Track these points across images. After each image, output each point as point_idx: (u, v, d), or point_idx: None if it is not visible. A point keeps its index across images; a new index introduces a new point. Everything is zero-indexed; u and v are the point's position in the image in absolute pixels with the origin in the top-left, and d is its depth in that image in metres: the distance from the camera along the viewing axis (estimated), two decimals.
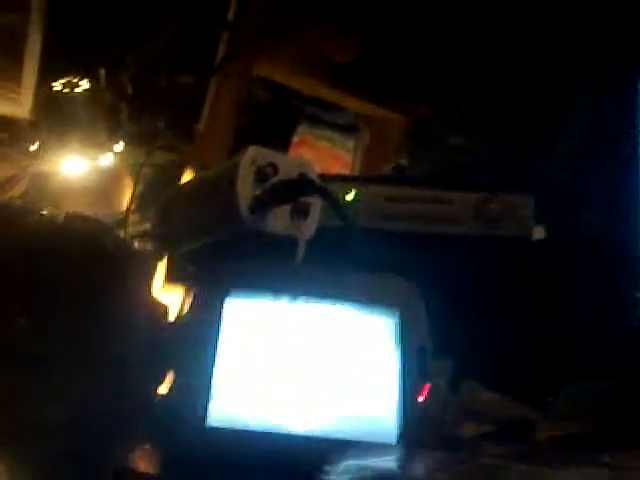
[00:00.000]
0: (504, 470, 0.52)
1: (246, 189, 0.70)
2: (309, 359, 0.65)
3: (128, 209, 1.12)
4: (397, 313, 0.67)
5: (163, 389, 0.67)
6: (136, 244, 1.01)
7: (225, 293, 0.66)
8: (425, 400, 0.66)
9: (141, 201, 1.11)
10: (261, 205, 0.70)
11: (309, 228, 0.75)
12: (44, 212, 0.75)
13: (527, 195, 0.90)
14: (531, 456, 0.57)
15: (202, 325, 0.65)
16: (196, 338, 0.65)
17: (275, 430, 0.62)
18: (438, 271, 0.82)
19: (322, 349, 0.66)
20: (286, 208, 0.72)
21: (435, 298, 0.69)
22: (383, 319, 0.67)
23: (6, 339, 0.61)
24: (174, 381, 0.66)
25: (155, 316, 0.71)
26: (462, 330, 0.80)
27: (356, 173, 1.31)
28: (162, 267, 0.94)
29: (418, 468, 0.53)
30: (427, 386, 0.66)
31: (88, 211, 1.27)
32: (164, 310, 0.74)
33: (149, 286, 0.73)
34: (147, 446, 0.65)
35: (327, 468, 0.51)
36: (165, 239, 0.90)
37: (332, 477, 0.51)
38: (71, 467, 0.64)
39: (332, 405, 0.64)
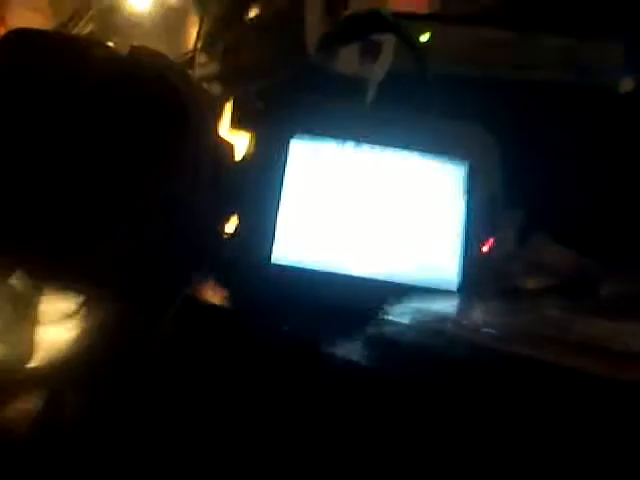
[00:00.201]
0: (567, 321, 0.51)
1: (315, 24, 0.66)
2: (374, 204, 0.65)
3: (195, 48, 1.10)
4: (468, 161, 0.65)
5: (228, 229, 0.68)
6: (204, 84, 1.00)
7: (290, 135, 0.64)
8: (490, 251, 0.64)
9: (208, 40, 1.08)
10: (329, 41, 0.66)
11: (380, 70, 0.72)
12: (110, 45, 0.73)
13: (618, 44, 0.83)
14: (596, 310, 0.56)
15: (267, 166, 0.65)
16: (260, 179, 0.64)
17: (336, 271, 0.63)
18: (516, 119, 0.78)
19: (387, 195, 0.65)
20: (356, 47, 0.68)
21: (512, 147, 0.66)
22: (453, 166, 0.65)
23: (75, 174, 0.62)
24: (239, 221, 0.66)
25: (220, 158, 0.71)
26: (537, 182, 0.77)
27: (432, 11, 1.23)
28: (229, 109, 0.93)
29: (478, 315, 0.53)
30: (493, 236, 0.65)
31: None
32: (230, 152, 0.73)
33: (215, 127, 0.72)
34: (212, 282, 0.66)
35: (386, 309, 0.52)
36: (232, 79, 0.89)
37: (390, 318, 0.51)
38: (140, 295, 0.67)
39: (394, 250, 0.64)
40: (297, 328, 0.57)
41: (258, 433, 0.57)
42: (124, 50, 0.70)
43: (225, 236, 0.67)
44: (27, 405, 0.86)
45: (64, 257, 0.61)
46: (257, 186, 0.64)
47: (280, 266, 0.62)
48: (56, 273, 0.65)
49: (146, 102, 0.63)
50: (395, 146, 0.65)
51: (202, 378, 0.65)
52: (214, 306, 0.64)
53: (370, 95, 0.75)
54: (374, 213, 0.64)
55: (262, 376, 0.57)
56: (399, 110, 0.66)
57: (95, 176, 0.61)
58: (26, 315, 0.89)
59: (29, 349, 0.98)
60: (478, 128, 0.67)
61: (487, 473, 0.41)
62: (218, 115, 0.77)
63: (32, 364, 0.96)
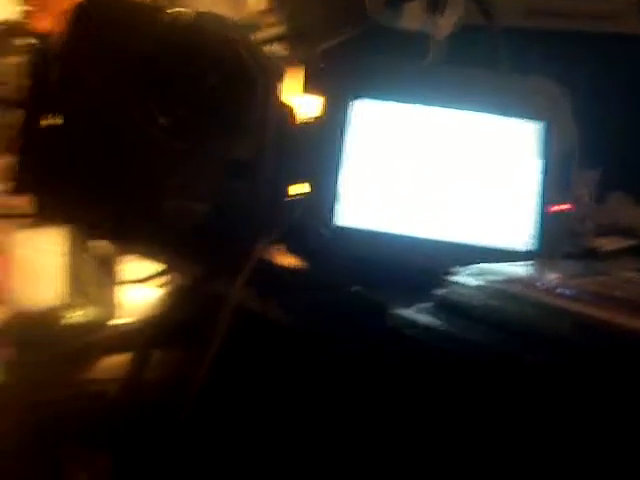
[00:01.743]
0: None
1: None
2: (442, 165, 0.63)
3: (261, 10, 1.09)
4: (542, 119, 0.63)
5: (292, 191, 0.68)
6: (269, 47, 0.99)
7: (353, 95, 0.64)
8: (566, 210, 0.63)
9: (274, 2, 1.07)
10: None
11: (446, 25, 0.70)
12: (175, 10, 0.73)
13: None
14: None
15: (329, 128, 0.64)
16: (323, 141, 0.64)
17: (402, 233, 0.62)
18: (593, 74, 0.75)
19: (456, 155, 0.63)
20: (421, 1, 0.66)
21: (588, 104, 0.64)
22: (525, 125, 0.63)
23: (149, 137, 0.63)
24: (303, 183, 0.66)
25: (285, 122, 0.71)
26: (615, 140, 0.74)
27: None
28: (294, 72, 0.93)
29: (551, 277, 0.51)
30: (569, 197, 0.63)
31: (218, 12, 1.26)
32: (293, 116, 0.73)
33: (279, 92, 0.72)
34: (280, 245, 0.67)
35: (454, 271, 0.51)
36: (297, 41, 0.88)
37: (463, 279, 0.50)
38: (212, 258, 0.68)
39: (464, 211, 0.62)
40: (366, 289, 0.57)
41: (333, 395, 0.58)
42: (190, 16, 0.70)
43: (291, 199, 0.68)
44: (114, 362, 0.90)
45: (136, 223, 0.63)
46: (322, 148, 0.64)
47: (342, 228, 0.62)
48: (133, 238, 0.67)
49: (211, 68, 0.64)
50: (463, 105, 0.63)
51: (275, 339, 0.67)
52: (284, 268, 0.65)
53: (436, 52, 0.73)
54: (442, 173, 0.63)
55: (332, 335, 0.58)
56: (468, 67, 0.64)
57: (160, 142, 0.62)
58: (110, 277, 0.93)
59: (114, 308, 1.02)
60: (552, 84, 0.64)
61: (565, 441, 0.41)
62: (282, 78, 0.77)
63: (117, 322, 1.00)
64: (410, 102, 0.63)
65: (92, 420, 0.80)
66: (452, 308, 0.48)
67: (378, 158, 0.63)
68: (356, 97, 0.64)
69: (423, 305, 0.50)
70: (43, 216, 0.69)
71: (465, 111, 0.63)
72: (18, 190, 0.64)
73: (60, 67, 0.64)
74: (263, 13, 1.09)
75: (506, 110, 0.63)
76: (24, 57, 1.43)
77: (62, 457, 0.88)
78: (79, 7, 0.65)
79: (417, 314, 0.49)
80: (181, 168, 0.62)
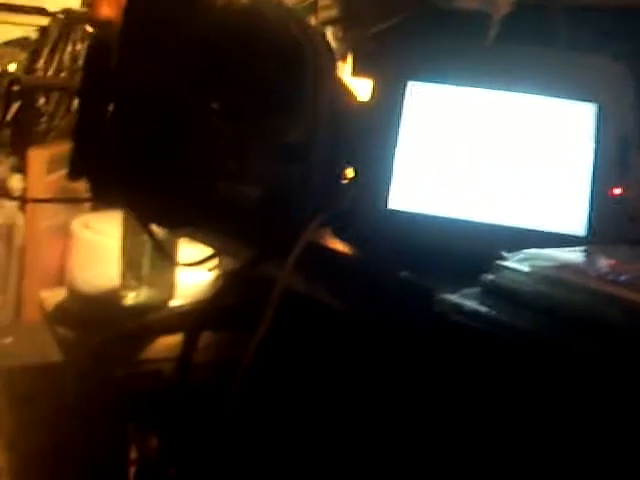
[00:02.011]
0: None
1: None
2: (495, 147, 0.62)
3: None
4: (599, 99, 0.61)
5: (346, 174, 0.68)
6: (326, 30, 0.99)
7: (408, 77, 0.63)
8: (621, 195, 0.61)
9: None
10: None
11: (504, 3, 0.68)
12: None
13: None
14: None
15: (384, 111, 0.63)
16: (378, 124, 0.63)
17: (455, 216, 0.61)
18: None
19: (510, 138, 0.62)
20: None
21: None
22: (582, 106, 0.61)
23: (200, 121, 0.64)
24: (357, 167, 0.66)
25: (340, 106, 0.70)
26: None
27: None
28: (350, 56, 0.92)
29: (605, 262, 0.50)
30: (625, 180, 0.61)
31: None
32: (350, 99, 0.73)
33: (334, 75, 0.72)
34: (332, 228, 0.67)
35: (505, 256, 0.50)
36: (349, 23, 0.87)
37: (512, 264, 0.49)
38: (263, 242, 0.68)
39: (516, 195, 0.61)
40: (414, 275, 0.57)
41: (377, 375, 0.58)
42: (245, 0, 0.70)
43: (344, 183, 0.68)
44: (167, 342, 0.92)
45: (188, 207, 0.64)
46: (375, 132, 0.64)
47: (396, 211, 0.62)
48: (184, 222, 0.68)
49: (265, 51, 0.64)
50: (519, 86, 0.61)
51: (322, 322, 0.67)
52: (334, 252, 0.65)
53: (492, 31, 0.72)
54: (495, 157, 0.62)
55: (379, 320, 0.57)
56: (523, 47, 0.63)
57: (213, 126, 0.62)
58: (167, 260, 0.94)
59: (168, 291, 1.04)
60: (610, 63, 0.62)
61: (614, 430, 0.40)
62: (338, 62, 0.77)
63: (171, 304, 1.02)
64: (465, 85, 0.62)
65: (145, 398, 0.82)
66: (500, 293, 0.47)
67: (433, 141, 0.63)
68: (411, 79, 0.63)
69: (471, 290, 0.49)
70: (98, 200, 0.70)
71: (520, 93, 0.62)
72: (73, 175, 0.66)
73: (117, 54, 0.65)
74: None
75: (562, 91, 0.61)
76: (84, 45, 1.47)
77: (121, 432, 0.90)
78: None
79: (464, 299, 0.48)
80: (233, 152, 0.63)
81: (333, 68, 0.72)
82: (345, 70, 0.89)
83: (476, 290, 0.49)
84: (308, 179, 0.64)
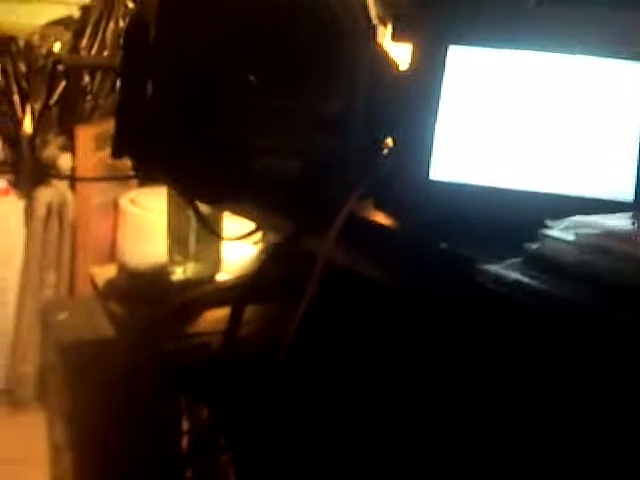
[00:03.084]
0: None
1: None
2: (539, 111, 0.60)
3: None
4: None
5: (387, 143, 0.67)
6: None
7: (449, 41, 0.61)
8: None
9: None
10: None
11: None
12: None
13: None
14: None
15: (424, 76, 0.62)
16: (418, 91, 0.62)
17: (500, 185, 0.60)
18: None
19: (555, 102, 0.60)
20: None
21: None
22: (630, 65, 0.59)
23: (239, 95, 0.64)
24: (397, 137, 0.65)
25: (379, 75, 0.69)
26: None
27: None
28: (389, 21, 0.91)
29: None
30: None
31: None
32: (389, 66, 0.71)
33: (373, 44, 0.70)
34: (373, 199, 0.66)
35: (549, 224, 0.49)
36: None
37: (556, 233, 0.48)
38: (304, 215, 0.68)
39: (562, 161, 0.59)
40: (456, 245, 0.56)
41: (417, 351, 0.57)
42: None
43: (384, 153, 0.67)
44: (215, 315, 0.94)
45: (227, 182, 0.64)
46: (415, 99, 0.62)
47: (439, 182, 0.61)
48: (224, 197, 0.68)
49: (302, 22, 0.63)
50: (563, 47, 0.59)
51: (364, 294, 0.67)
52: (375, 223, 0.65)
53: None
54: (539, 122, 0.60)
55: (421, 291, 0.57)
56: (568, 6, 0.60)
57: (250, 100, 0.62)
58: (212, 234, 0.95)
59: (217, 264, 1.05)
60: None
61: None
62: (378, 27, 0.75)
63: (220, 278, 1.03)
64: (508, 47, 0.60)
65: (195, 371, 0.84)
66: (544, 263, 0.46)
67: (474, 107, 0.61)
68: (452, 43, 0.61)
69: (513, 261, 0.48)
70: (141, 178, 0.71)
71: (565, 54, 0.60)
72: (116, 154, 0.67)
73: (155, 31, 0.65)
74: None
75: (609, 51, 0.59)
76: (124, 24, 1.48)
77: (173, 405, 0.92)
78: None
79: (506, 270, 0.47)
80: (271, 126, 0.62)
81: (372, 37, 0.70)
82: (385, 35, 0.87)
83: (519, 260, 0.48)
84: (347, 150, 0.64)
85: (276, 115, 0.63)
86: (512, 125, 0.60)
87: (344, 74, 0.64)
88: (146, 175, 0.69)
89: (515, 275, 0.46)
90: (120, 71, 0.67)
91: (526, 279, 0.45)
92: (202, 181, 0.64)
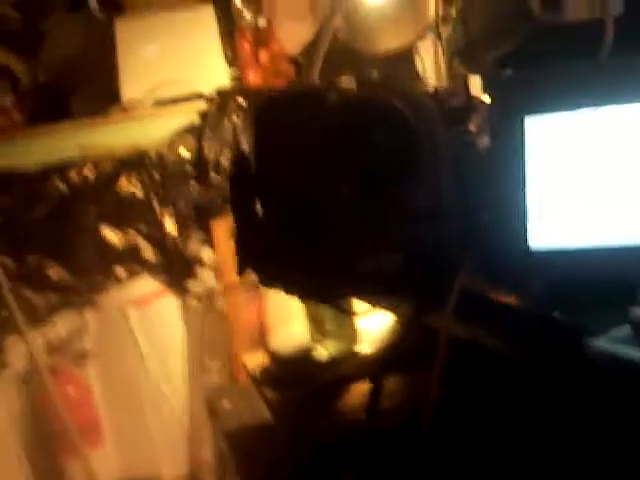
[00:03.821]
0: None
1: None
2: (625, 164, 0.60)
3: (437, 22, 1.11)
4: None
5: (483, 220, 0.68)
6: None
7: (524, 112, 0.62)
8: None
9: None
10: None
11: (615, 3, 0.66)
12: (339, 86, 0.76)
13: None
14: None
15: (506, 151, 0.64)
16: (503, 166, 0.64)
17: (597, 245, 0.60)
18: None
19: (638, 150, 0.59)
20: None
21: None
22: None
23: (333, 205, 0.68)
24: (491, 210, 0.66)
25: (463, 152, 0.71)
26: None
27: None
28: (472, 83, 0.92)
29: None
30: None
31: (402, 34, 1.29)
32: (472, 147, 0.72)
33: (448, 139, 0.72)
34: (479, 274, 0.68)
35: None
36: (467, 55, 0.88)
37: None
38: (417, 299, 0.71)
39: None
40: (566, 314, 0.56)
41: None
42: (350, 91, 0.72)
43: (481, 228, 0.68)
44: (360, 390, 0.97)
45: (338, 285, 0.68)
46: (501, 175, 0.64)
47: (539, 251, 0.61)
48: (338, 296, 0.73)
49: (377, 132, 0.67)
50: (636, 97, 0.59)
51: (484, 363, 0.68)
52: (486, 297, 0.66)
53: (608, 34, 0.69)
54: (628, 174, 0.59)
55: (533, 363, 0.58)
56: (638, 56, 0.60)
57: (344, 210, 0.67)
58: (343, 312, 1.00)
59: (354, 337, 1.09)
60: None
61: None
62: (454, 117, 0.76)
63: (358, 351, 1.07)
64: (582, 106, 0.61)
65: (350, 446, 0.87)
66: None
67: (562, 171, 0.62)
68: (527, 114, 0.62)
69: (620, 331, 0.48)
70: (265, 286, 0.78)
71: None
72: (240, 270, 0.74)
73: (255, 163, 0.72)
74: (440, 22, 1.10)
75: None
76: (240, 116, 1.59)
77: None
78: (259, 111, 0.73)
79: (613, 343, 0.47)
80: (368, 228, 0.67)
81: (450, 126, 0.71)
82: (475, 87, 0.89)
83: (626, 329, 0.48)
84: (444, 237, 0.66)
85: (371, 218, 0.67)
86: (601, 182, 0.60)
87: (424, 167, 0.67)
88: (268, 284, 0.75)
89: (623, 349, 0.46)
90: (230, 201, 0.75)
91: (633, 352, 0.45)
92: (314, 286, 0.70)
